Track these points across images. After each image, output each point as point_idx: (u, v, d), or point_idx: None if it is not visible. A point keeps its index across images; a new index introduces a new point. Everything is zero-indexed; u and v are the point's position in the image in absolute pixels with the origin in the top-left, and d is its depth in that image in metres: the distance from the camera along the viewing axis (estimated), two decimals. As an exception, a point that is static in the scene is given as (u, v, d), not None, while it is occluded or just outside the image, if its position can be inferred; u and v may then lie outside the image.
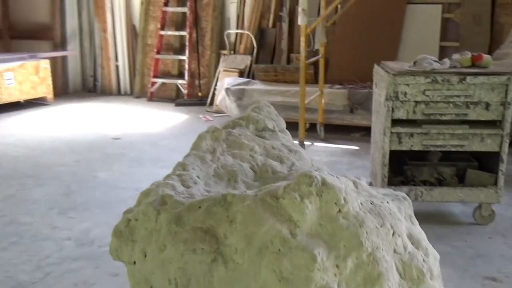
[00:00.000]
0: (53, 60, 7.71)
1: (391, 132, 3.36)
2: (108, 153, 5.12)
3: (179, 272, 1.30)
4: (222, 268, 1.27)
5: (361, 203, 1.38)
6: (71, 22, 7.97)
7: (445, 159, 3.61)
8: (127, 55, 7.89)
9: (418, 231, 1.47)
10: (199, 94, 7.30)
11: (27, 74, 6.84)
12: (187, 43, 7.33)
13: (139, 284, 1.39)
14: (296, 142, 4.82)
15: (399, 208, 1.48)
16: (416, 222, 1.53)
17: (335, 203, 1.33)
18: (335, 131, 5.72)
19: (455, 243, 3.21)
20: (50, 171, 4.58)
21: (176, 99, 7.50)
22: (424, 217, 3.57)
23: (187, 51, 7.32)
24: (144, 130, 5.98)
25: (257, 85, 6.06)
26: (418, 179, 3.55)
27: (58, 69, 7.96)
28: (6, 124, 6.26)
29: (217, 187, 1.62)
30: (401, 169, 3.61)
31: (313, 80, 6.03)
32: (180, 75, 7.57)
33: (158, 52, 7.53)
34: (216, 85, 6.89)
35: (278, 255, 1.22)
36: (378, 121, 3.59)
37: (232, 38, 7.23)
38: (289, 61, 6.86)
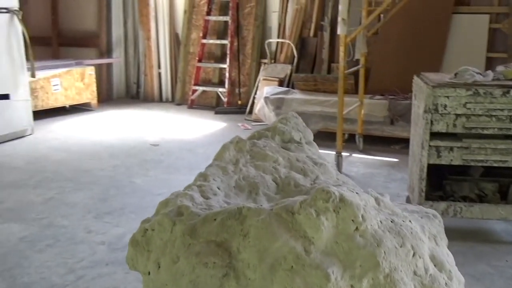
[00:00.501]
0: (98, 67, 7.91)
1: (430, 146, 3.26)
2: (146, 159, 5.19)
3: (190, 285, 1.28)
4: (234, 283, 1.24)
5: (381, 221, 1.32)
6: (117, 30, 8.16)
7: (487, 174, 3.47)
8: (169, 62, 8.01)
9: (442, 252, 1.40)
10: (239, 102, 7.32)
11: (73, 80, 7.03)
12: (228, 52, 7.37)
13: None
14: (334, 153, 4.80)
15: (422, 227, 1.41)
16: (442, 243, 1.46)
17: (353, 220, 1.28)
18: (375, 142, 5.61)
19: (495, 263, 3.07)
20: (89, 176, 4.67)
21: (216, 107, 7.55)
22: (463, 235, 3.44)
23: (228, 60, 7.36)
24: (183, 137, 6.03)
25: (296, 95, 6.02)
26: (458, 194, 3.43)
27: (103, 76, 8.15)
28: (52, 128, 6.44)
29: (237, 199, 1.60)
30: (440, 184, 3.49)
31: (353, 90, 5.94)
32: (221, 83, 7.61)
33: (199, 60, 7.61)
34: (255, 93, 6.90)
35: (291, 273, 1.18)
36: (417, 134, 3.49)
37: (273, 47, 7.22)
38: (329, 70, 6.80)
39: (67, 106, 7.24)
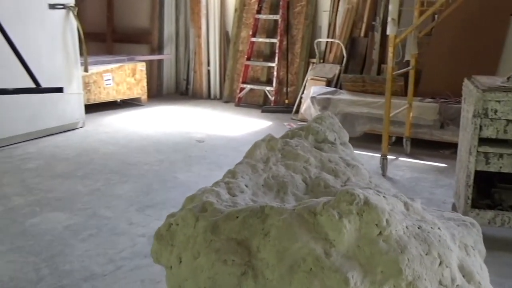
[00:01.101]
0: (149, 63, 8.08)
1: (478, 151, 3.14)
2: (191, 155, 5.25)
3: (209, 282, 1.27)
4: (251, 282, 1.23)
5: (407, 227, 1.27)
6: (169, 27, 8.30)
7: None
8: (218, 60, 8.08)
9: (473, 263, 1.33)
10: (286, 101, 7.30)
11: (124, 75, 7.21)
12: (277, 51, 7.36)
13: None
14: (379, 155, 4.70)
15: (452, 236, 1.35)
16: (475, 253, 1.39)
17: (376, 225, 1.24)
18: (423, 146, 5.46)
19: (543, 277, 2.92)
20: (134, 169, 4.77)
21: (263, 105, 7.55)
22: (511, 246, 3.30)
23: (276, 58, 7.35)
24: (228, 134, 6.06)
25: (344, 95, 5.94)
26: (507, 203, 3.28)
27: (154, 72, 8.31)
28: (102, 122, 6.63)
29: (265, 198, 1.58)
30: (489, 192, 3.36)
31: (403, 92, 5.81)
32: (269, 82, 7.61)
33: (248, 58, 7.63)
34: (302, 93, 6.85)
35: (309, 275, 1.16)
36: (465, 139, 3.37)
37: (322, 47, 7.15)
38: (379, 72, 6.66)
39: (119, 100, 7.42)
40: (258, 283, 1.22)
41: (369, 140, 5.66)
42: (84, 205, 3.92)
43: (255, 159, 1.78)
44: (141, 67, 7.42)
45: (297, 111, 6.90)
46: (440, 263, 1.23)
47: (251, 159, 1.78)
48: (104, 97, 7.03)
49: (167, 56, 8.25)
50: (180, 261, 1.38)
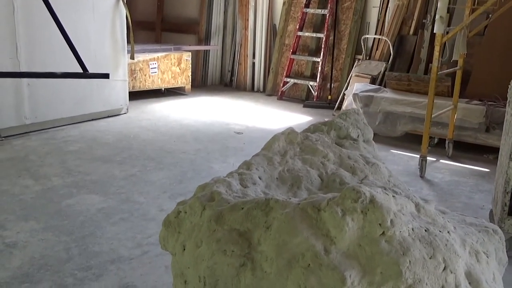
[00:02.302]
0: (196, 53, 8.16)
1: (518, 157, 3.00)
2: (228, 146, 5.27)
3: (208, 271, 1.26)
4: (249, 274, 1.21)
5: (413, 229, 1.22)
6: (217, 19, 8.35)
7: None
8: (264, 53, 8.07)
9: (483, 270, 1.27)
10: (329, 97, 7.22)
11: (169, 64, 7.31)
12: (323, 45, 7.28)
13: (177, 276, 1.38)
14: (418, 156, 4.58)
15: (463, 241, 1.29)
16: (488, 260, 1.32)
17: (380, 224, 1.19)
18: (466, 149, 5.28)
19: None
20: (171, 157, 4.84)
21: (306, 100, 7.50)
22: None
23: (322, 53, 7.27)
24: (267, 127, 6.06)
25: (387, 94, 5.81)
26: (546, 213, 3.13)
27: (200, 62, 8.39)
28: (145, 109, 6.75)
29: (278, 191, 1.56)
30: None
31: (449, 93, 5.63)
32: (312, 77, 7.55)
33: (293, 52, 7.58)
34: (346, 89, 6.75)
35: (307, 271, 1.13)
36: (506, 143, 3.23)
37: (369, 43, 7.03)
38: (427, 71, 6.48)
39: (163, 89, 7.54)
40: (255, 275, 1.20)
41: (410, 141, 5.53)
42: (119, 189, 4.01)
43: (273, 152, 1.76)
44: (187, 57, 7.50)
45: (339, 108, 6.82)
46: (445, 268, 1.18)
47: (269, 151, 1.76)
48: (149, 85, 7.16)
49: (214, 47, 8.30)
50: (184, 249, 1.38)
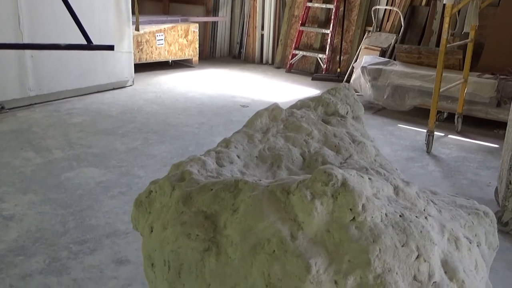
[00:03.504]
0: (204, 25, 8.03)
1: (525, 134, 2.90)
2: (233, 119, 5.21)
3: (172, 255, 1.21)
4: (213, 260, 1.16)
5: (386, 214, 1.15)
6: (225, -11, 8.19)
7: None
8: (272, 24, 7.91)
9: (461, 258, 1.20)
10: (338, 70, 7.08)
11: (176, 36, 7.20)
12: (332, 17, 7.11)
13: (146, 259, 1.34)
14: (425, 131, 4.47)
15: (442, 227, 1.21)
16: (471, 246, 1.25)
17: (350, 209, 1.12)
18: (476, 124, 5.16)
19: None
20: (174, 130, 4.79)
21: (315, 73, 7.37)
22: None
23: (331, 25, 7.11)
24: (273, 101, 5.95)
25: (396, 67, 5.67)
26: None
27: (208, 34, 8.26)
28: (151, 82, 6.69)
29: (256, 170, 1.49)
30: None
31: (461, 66, 5.47)
32: (322, 49, 7.40)
33: (302, 24, 7.42)
34: (355, 62, 6.61)
35: (271, 258, 1.07)
36: (514, 119, 3.12)
37: (380, 15, 6.84)
38: (439, 43, 6.28)
39: (170, 61, 7.45)
40: (220, 261, 1.15)
41: (419, 115, 5.42)
42: (119, 162, 3.98)
43: (254, 129, 1.69)
44: (194, 28, 7.39)
45: (349, 81, 6.68)
46: (418, 257, 1.11)
47: (250, 128, 1.69)
48: (155, 57, 7.07)
49: (221, 18, 8.16)
50: (152, 231, 1.33)
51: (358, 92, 6.07)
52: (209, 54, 8.29)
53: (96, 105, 5.52)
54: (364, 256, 1.06)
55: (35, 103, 5.39)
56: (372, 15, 6.75)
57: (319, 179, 1.13)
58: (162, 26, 7.03)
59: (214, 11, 8.17)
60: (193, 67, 7.59)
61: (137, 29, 6.33)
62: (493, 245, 1.46)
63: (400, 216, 1.16)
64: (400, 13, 6.45)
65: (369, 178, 1.22)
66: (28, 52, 5.22)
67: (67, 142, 4.38)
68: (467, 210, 1.46)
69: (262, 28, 8.02)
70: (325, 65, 7.18)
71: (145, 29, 6.72)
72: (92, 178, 3.69)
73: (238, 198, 1.21)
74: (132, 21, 6.20)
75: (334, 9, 7.08)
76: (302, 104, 1.87)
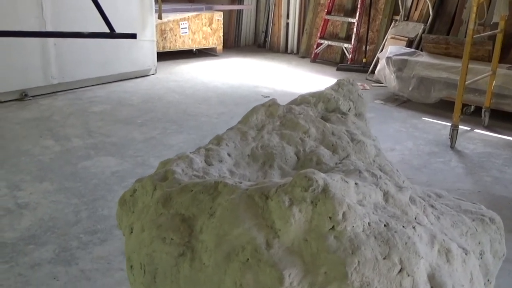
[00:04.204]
0: (229, 13, 7.96)
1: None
2: (253, 110, 5.15)
3: (147, 259, 1.17)
4: (187, 265, 1.11)
5: (369, 223, 1.08)
6: (251, -24, 8.09)
7: None
8: (298, 13, 7.79)
9: (452, 273, 1.12)
10: (364, 60, 6.93)
11: (200, 24, 7.16)
12: (359, 5, 6.95)
13: (127, 260, 1.30)
14: (449, 125, 4.33)
15: (432, 237, 1.13)
16: (460, 258, 1.16)
17: (330, 218, 1.06)
18: (505, 119, 4.97)
19: None
20: (193, 120, 4.77)
21: (340, 63, 7.23)
22: None
23: (357, 14, 6.95)
24: (296, 91, 5.87)
25: (422, 57, 5.50)
26: None
27: (233, 22, 8.20)
28: (174, 70, 6.67)
29: (247, 170, 1.44)
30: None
31: (491, 58, 5.27)
32: (348, 39, 7.25)
33: (328, 13, 7.28)
34: (380, 52, 6.45)
35: (244, 266, 1.01)
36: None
37: (408, 3, 6.64)
38: (468, 33, 6.07)
39: (194, 50, 7.42)
40: (193, 267, 1.10)
41: (445, 108, 5.25)
42: (136, 152, 3.98)
43: (249, 125, 1.63)
44: (218, 16, 7.33)
45: (373, 71, 6.53)
46: (401, 270, 1.04)
47: (245, 125, 1.64)
48: (179, 45, 7.06)
49: (247, 6, 8.08)
50: (131, 231, 1.29)
51: (382, 84, 5.94)
52: (234, 43, 8.23)
53: (118, 93, 5.54)
54: (341, 268, 1.00)
55: (58, 91, 5.44)
56: (400, 4, 6.58)
57: (299, 184, 1.07)
58: (186, 15, 7.00)
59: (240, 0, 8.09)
60: (217, 56, 7.55)
61: (160, 17, 6.32)
62: (499, 254, 1.38)
63: (384, 225, 1.09)
64: (428, 1, 6.26)
65: (356, 183, 1.15)
66: (51, 40, 5.26)
67: (87, 130, 4.41)
68: (471, 216, 1.37)
69: (288, 17, 7.91)
70: (350, 55, 7.04)
71: (169, 17, 6.70)
72: (108, 167, 3.70)
73: (216, 201, 1.16)
74: (155, 10, 6.18)
75: (361, -3, 6.92)
76: (302, 100, 1.80)
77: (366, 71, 6.70)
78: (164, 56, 6.92)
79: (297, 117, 1.63)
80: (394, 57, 5.54)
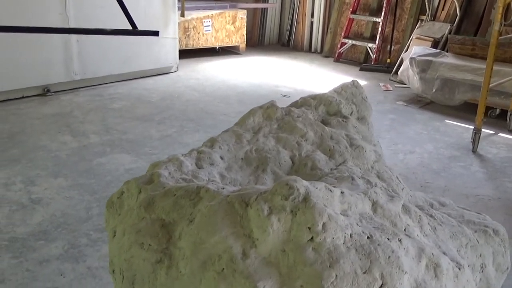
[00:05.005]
0: (253, 11, 7.93)
1: None
2: (271, 109, 5.10)
3: (125, 264, 1.14)
4: (164, 273, 1.08)
5: (351, 235, 1.03)
6: (276, -26, 8.04)
7: None
8: (323, 12, 7.71)
9: None
10: (388, 60, 6.81)
11: (224, 22, 7.15)
12: (384, 4, 6.83)
13: (109, 263, 1.28)
14: (472, 127, 4.20)
15: (420, 251, 1.07)
16: (450, 273, 1.10)
17: (309, 228, 1.01)
18: (531, 123, 4.81)
19: None
20: (211, 119, 4.75)
21: (364, 63, 7.13)
22: None
23: (383, 13, 6.83)
24: (316, 91, 5.80)
25: (447, 59, 5.37)
26: None
27: (257, 21, 8.16)
28: (196, 68, 6.67)
29: (239, 174, 1.40)
30: None
31: (520, 60, 5.12)
32: (372, 38, 7.13)
33: (353, 12, 7.18)
34: (405, 52, 6.33)
35: (219, 276, 0.98)
36: None
37: (435, 3, 6.50)
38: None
39: (217, 47, 7.41)
40: (170, 275, 1.06)
41: (469, 111, 5.11)
42: (152, 150, 3.98)
43: (245, 128, 1.59)
44: (242, 14, 7.30)
45: (397, 72, 6.41)
46: (381, 286, 0.98)
47: (241, 127, 1.59)
48: (202, 43, 7.05)
49: (271, 4, 8.03)
50: (114, 235, 1.27)
51: (405, 85, 5.82)
52: (258, 41, 8.19)
53: (138, 90, 5.56)
54: (317, 282, 0.95)
55: (80, 87, 5.50)
56: (426, 4, 6.44)
57: (279, 192, 1.02)
58: (210, 12, 6.99)
59: (264, -3, 8.05)
60: (240, 54, 7.52)
61: (182, 15, 6.32)
62: (502, 267, 1.31)
63: (368, 237, 1.04)
64: (456, 1, 6.11)
65: (342, 192, 1.10)
66: (74, 36, 5.31)
67: (104, 127, 4.43)
68: (474, 227, 1.31)
69: (312, 16, 7.84)
70: (374, 55, 6.92)
71: (192, 15, 6.70)
72: (122, 164, 3.70)
73: (197, 207, 1.12)
74: (178, 7, 6.18)
75: (386, -4, 6.80)
76: (302, 102, 1.75)
77: (390, 72, 6.58)
78: (187, 53, 6.93)
79: (295, 120, 1.58)
80: (418, 57, 5.42)
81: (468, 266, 1.23)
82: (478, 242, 1.26)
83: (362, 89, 1.83)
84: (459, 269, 1.12)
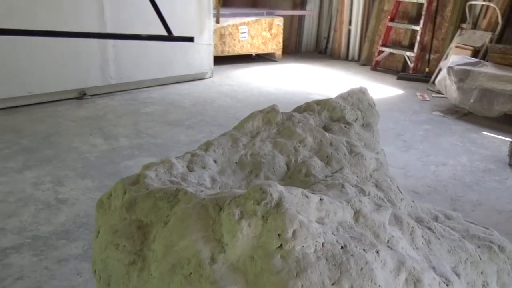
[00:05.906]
0: (290, 19, 7.91)
1: None
2: (302, 117, 5.06)
3: (101, 264, 1.13)
4: (135, 275, 1.06)
5: (323, 244, 0.98)
6: (315, -18, 8.01)
7: None
8: (360, 19, 7.61)
9: None
10: (426, 69, 6.64)
11: (260, 29, 7.16)
12: (424, 12, 6.68)
13: (92, 264, 1.27)
14: (510, 140, 4.03)
15: (400, 263, 1.01)
16: None
17: (279, 235, 0.97)
18: None
19: None
20: (240, 125, 4.75)
21: (401, 71, 6.98)
22: None
23: (422, 21, 6.68)
24: (350, 100, 5.72)
25: (487, 68, 5.19)
26: None
27: (294, 28, 8.14)
28: (230, 74, 6.70)
29: (231, 178, 1.37)
30: None
31: (563, 70, 4.90)
32: (411, 47, 6.98)
33: (392, 20, 7.05)
34: (443, 61, 6.17)
35: (186, 281, 0.95)
36: None
37: (476, 11, 6.31)
38: (541, 43, 5.69)
39: (253, 54, 7.43)
40: (141, 277, 1.05)
41: (509, 123, 4.93)
42: (178, 154, 4.00)
43: (243, 132, 1.56)
44: (278, 22, 7.29)
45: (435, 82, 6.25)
46: None
47: (239, 131, 1.57)
48: (238, 50, 7.08)
49: (308, 12, 7.99)
50: (98, 235, 1.26)
51: (443, 95, 5.67)
52: (295, 49, 8.17)
53: (172, 95, 5.62)
54: (282, 292, 0.91)
55: (115, 91, 5.61)
56: (467, 11, 6.25)
57: (252, 197, 0.99)
58: (246, 19, 7.01)
59: (302, 5, 8.02)
60: (276, 61, 7.51)
61: (217, 21, 6.37)
62: (507, 286, 1.23)
63: (342, 247, 0.99)
64: (498, 9, 5.91)
65: (321, 199, 1.06)
66: (110, 41, 5.43)
67: (135, 130, 4.49)
68: (478, 242, 1.24)
69: (350, 23, 7.75)
70: (412, 64, 6.77)
71: (228, 21, 6.74)
72: (148, 168, 3.74)
73: (173, 210, 1.11)
74: (213, 14, 6.23)
75: (426, 4, 6.65)
76: (306, 107, 1.71)
77: (428, 81, 6.42)
78: (222, 60, 6.98)
79: (295, 125, 1.55)
80: (456, 66, 5.26)
81: (468, 283, 1.16)
82: (480, 259, 1.19)
83: (370, 95, 1.78)
84: (446, 285, 1.05)
